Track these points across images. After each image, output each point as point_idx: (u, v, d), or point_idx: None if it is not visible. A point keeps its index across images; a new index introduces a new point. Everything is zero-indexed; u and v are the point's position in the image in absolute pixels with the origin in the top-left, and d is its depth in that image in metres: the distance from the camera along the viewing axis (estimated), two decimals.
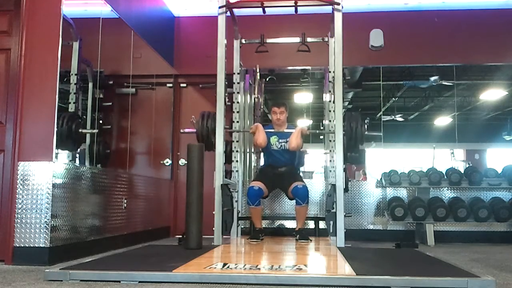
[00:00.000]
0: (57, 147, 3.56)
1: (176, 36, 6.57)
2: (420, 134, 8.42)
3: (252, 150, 5.66)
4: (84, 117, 4.84)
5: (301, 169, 4.92)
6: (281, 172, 4.76)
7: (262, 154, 5.15)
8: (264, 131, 4.70)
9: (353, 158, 5.19)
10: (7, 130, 3.60)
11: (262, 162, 5.30)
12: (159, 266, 2.89)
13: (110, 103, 5.68)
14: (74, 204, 3.77)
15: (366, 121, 4.88)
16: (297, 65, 6.45)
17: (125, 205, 4.82)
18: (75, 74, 4.39)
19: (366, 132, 4.78)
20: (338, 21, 4.35)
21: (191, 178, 3.85)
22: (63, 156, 4.21)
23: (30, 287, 2.49)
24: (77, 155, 4.51)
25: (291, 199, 4.74)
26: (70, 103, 4.35)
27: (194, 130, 4.93)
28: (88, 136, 4.77)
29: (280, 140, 4.76)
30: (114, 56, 5.33)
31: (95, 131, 4.63)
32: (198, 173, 3.87)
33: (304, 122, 5.61)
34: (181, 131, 5.54)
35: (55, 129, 3.52)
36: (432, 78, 7.01)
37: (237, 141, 5.02)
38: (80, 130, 4.04)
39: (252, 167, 5.72)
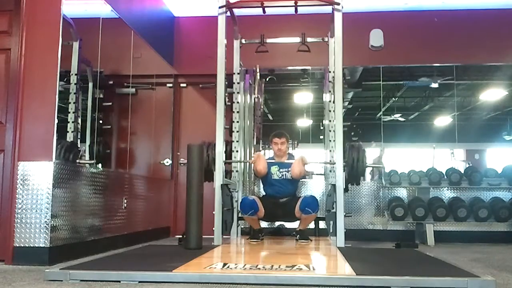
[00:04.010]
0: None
1: (176, 36, 6.57)
2: (420, 134, 8.40)
3: (253, 180, 5.62)
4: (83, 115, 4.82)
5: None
6: (283, 202, 4.61)
7: (262, 186, 4.92)
8: (264, 159, 4.65)
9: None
10: (7, 130, 3.60)
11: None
12: (159, 266, 2.89)
13: (110, 103, 5.67)
14: (74, 204, 3.77)
15: (366, 152, 4.82)
16: (297, 65, 6.45)
17: (125, 205, 4.82)
18: (75, 74, 4.39)
19: (367, 164, 4.73)
20: (338, 21, 4.35)
21: (191, 178, 3.85)
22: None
23: (30, 287, 2.49)
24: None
25: (299, 218, 4.55)
26: (70, 103, 4.35)
27: None
28: (88, 136, 4.77)
29: (281, 170, 4.66)
30: (114, 56, 5.33)
31: (93, 161, 4.61)
32: (198, 173, 3.87)
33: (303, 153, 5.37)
34: (180, 161, 5.50)
35: (55, 128, 3.51)
36: (420, 79, 7.02)
37: (237, 141, 5.02)
38: (77, 161, 4.00)
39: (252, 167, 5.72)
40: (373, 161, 7.36)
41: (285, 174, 4.64)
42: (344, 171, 4.31)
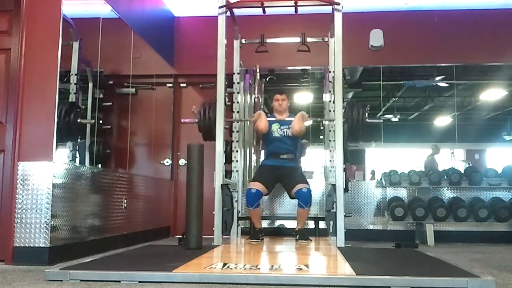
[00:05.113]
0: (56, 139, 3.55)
1: (176, 36, 6.57)
2: (420, 134, 8.42)
3: (253, 138, 5.61)
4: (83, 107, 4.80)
5: (302, 168, 4.86)
6: (283, 172, 4.69)
7: (262, 151, 5.06)
8: (266, 118, 4.69)
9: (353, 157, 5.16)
10: (7, 130, 3.60)
11: (262, 157, 5.23)
12: (159, 266, 2.89)
13: (110, 103, 5.67)
14: (74, 204, 3.77)
15: (367, 108, 4.87)
16: (297, 65, 6.45)
17: (125, 205, 4.82)
18: (75, 74, 4.38)
19: (367, 120, 4.78)
20: (338, 21, 4.35)
21: (191, 178, 3.85)
22: (64, 154, 4.19)
23: (30, 287, 2.49)
24: (77, 155, 4.50)
25: (292, 198, 4.71)
26: None
27: (195, 120, 4.96)
28: (88, 136, 4.76)
29: (282, 127, 4.72)
30: (114, 56, 5.33)
31: (93, 121, 4.61)
32: (198, 173, 3.87)
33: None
34: (182, 121, 5.58)
35: (55, 129, 3.52)
36: (437, 78, 7.02)
37: (237, 141, 5.01)
38: (78, 120, 4.00)
39: (252, 167, 5.72)
40: (425, 162, 7.35)
41: (286, 131, 4.71)
42: (344, 126, 4.37)
